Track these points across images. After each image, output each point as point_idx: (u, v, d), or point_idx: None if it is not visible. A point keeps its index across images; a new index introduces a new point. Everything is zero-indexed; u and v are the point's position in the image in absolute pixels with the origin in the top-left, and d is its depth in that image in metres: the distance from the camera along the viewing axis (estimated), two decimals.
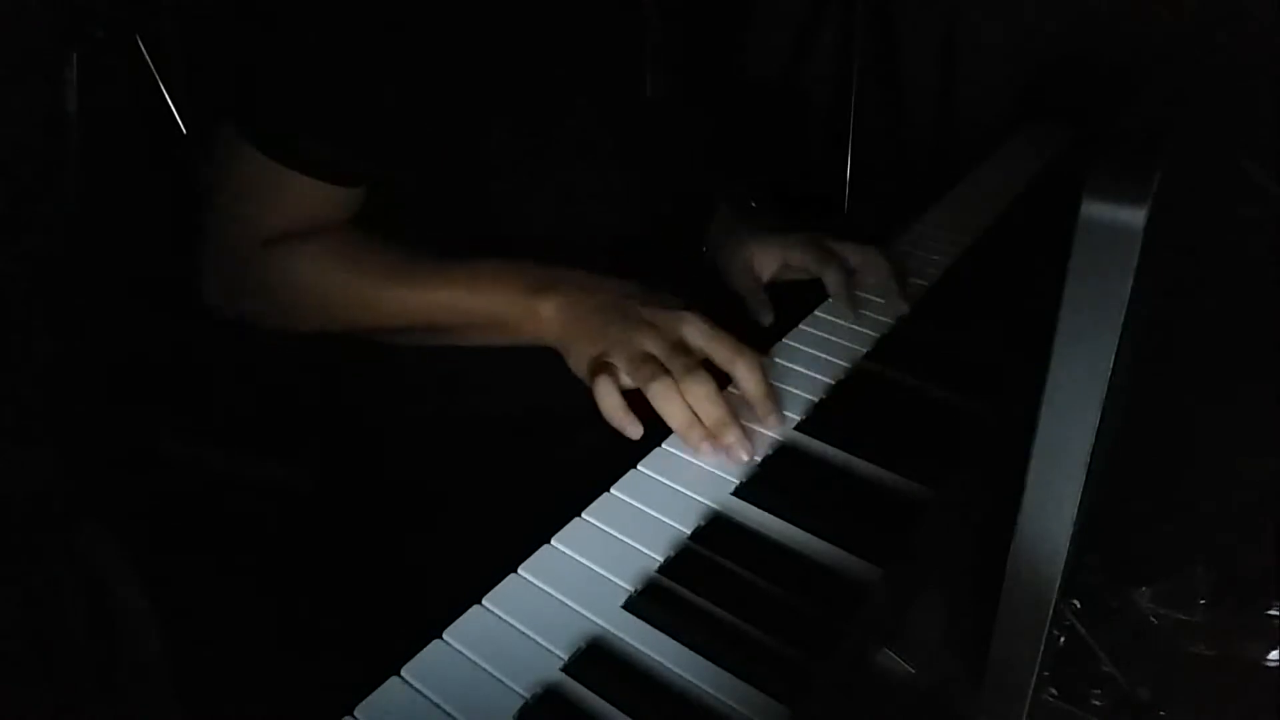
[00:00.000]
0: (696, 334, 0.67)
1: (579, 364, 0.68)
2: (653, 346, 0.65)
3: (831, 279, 0.82)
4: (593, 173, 0.78)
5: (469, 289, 0.72)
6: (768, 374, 0.67)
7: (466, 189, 0.75)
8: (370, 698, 0.47)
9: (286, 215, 0.72)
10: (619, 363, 0.65)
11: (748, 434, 0.64)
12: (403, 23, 0.66)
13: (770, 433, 0.66)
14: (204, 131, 0.86)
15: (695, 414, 0.63)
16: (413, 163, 0.73)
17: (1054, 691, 0.46)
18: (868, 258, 0.85)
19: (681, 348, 0.66)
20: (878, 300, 0.83)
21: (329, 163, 0.69)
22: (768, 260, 0.86)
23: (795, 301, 0.86)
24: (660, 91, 0.78)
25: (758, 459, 0.64)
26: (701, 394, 0.63)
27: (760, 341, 0.76)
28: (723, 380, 0.65)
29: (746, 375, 0.66)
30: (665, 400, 0.63)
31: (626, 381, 0.65)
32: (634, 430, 0.64)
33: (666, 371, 0.64)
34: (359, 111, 0.69)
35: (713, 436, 0.63)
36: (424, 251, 0.74)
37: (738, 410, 0.64)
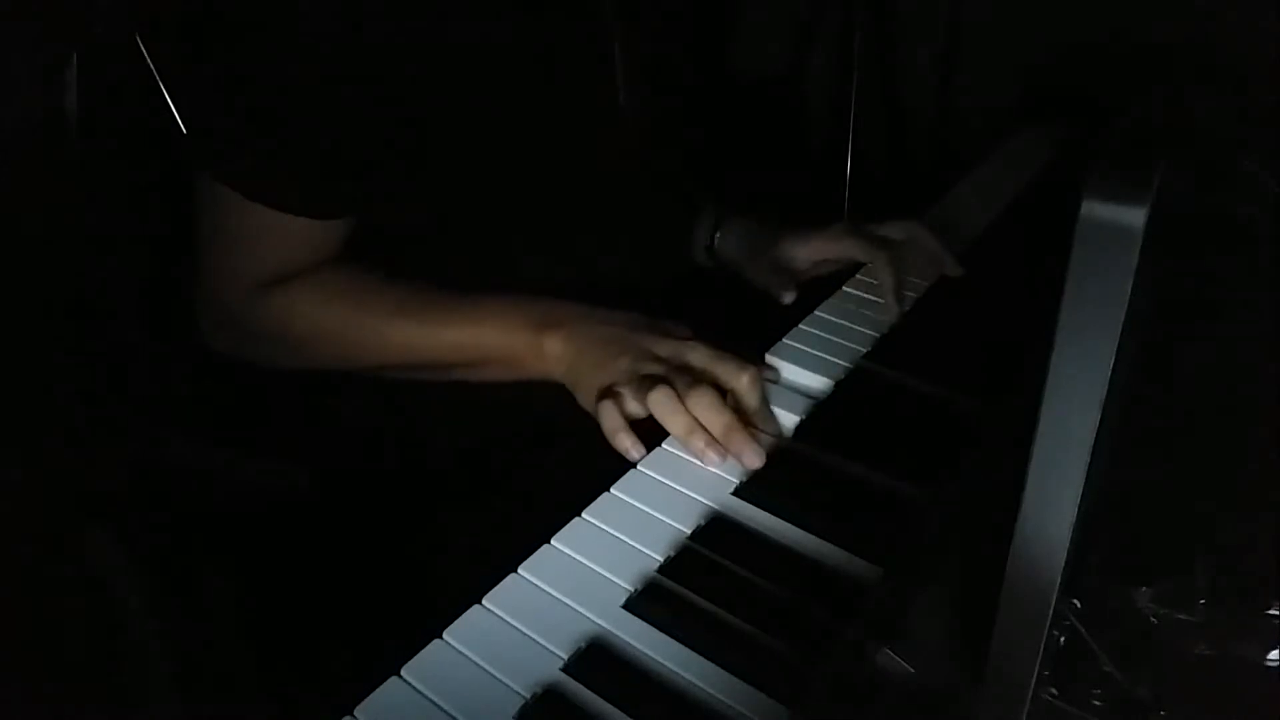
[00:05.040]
0: (700, 358, 0.67)
1: (587, 397, 0.68)
2: (658, 371, 0.66)
3: (882, 269, 0.81)
4: (572, 188, 0.78)
5: (474, 326, 0.72)
6: (768, 387, 0.68)
7: (439, 209, 0.75)
8: (370, 698, 0.47)
9: (275, 255, 0.71)
10: (624, 389, 0.65)
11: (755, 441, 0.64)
12: (371, 50, 0.66)
13: (770, 433, 0.66)
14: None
15: (697, 421, 0.63)
16: (389, 190, 0.72)
17: (1054, 691, 0.46)
18: (913, 232, 0.85)
19: (685, 370, 0.66)
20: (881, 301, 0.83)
21: (307, 197, 0.69)
22: (808, 252, 0.85)
23: (798, 298, 0.86)
24: (634, 104, 0.78)
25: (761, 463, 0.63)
26: (705, 403, 0.63)
27: (761, 341, 0.76)
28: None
29: (749, 389, 0.66)
30: (666, 408, 0.63)
31: (634, 409, 0.65)
32: (636, 454, 0.64)
33: (669, 383, 0.64)
34: (332, 142, 0.68)
35: (717, 443, 0.63)
36: (421, 285, 0.74)
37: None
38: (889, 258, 0.81)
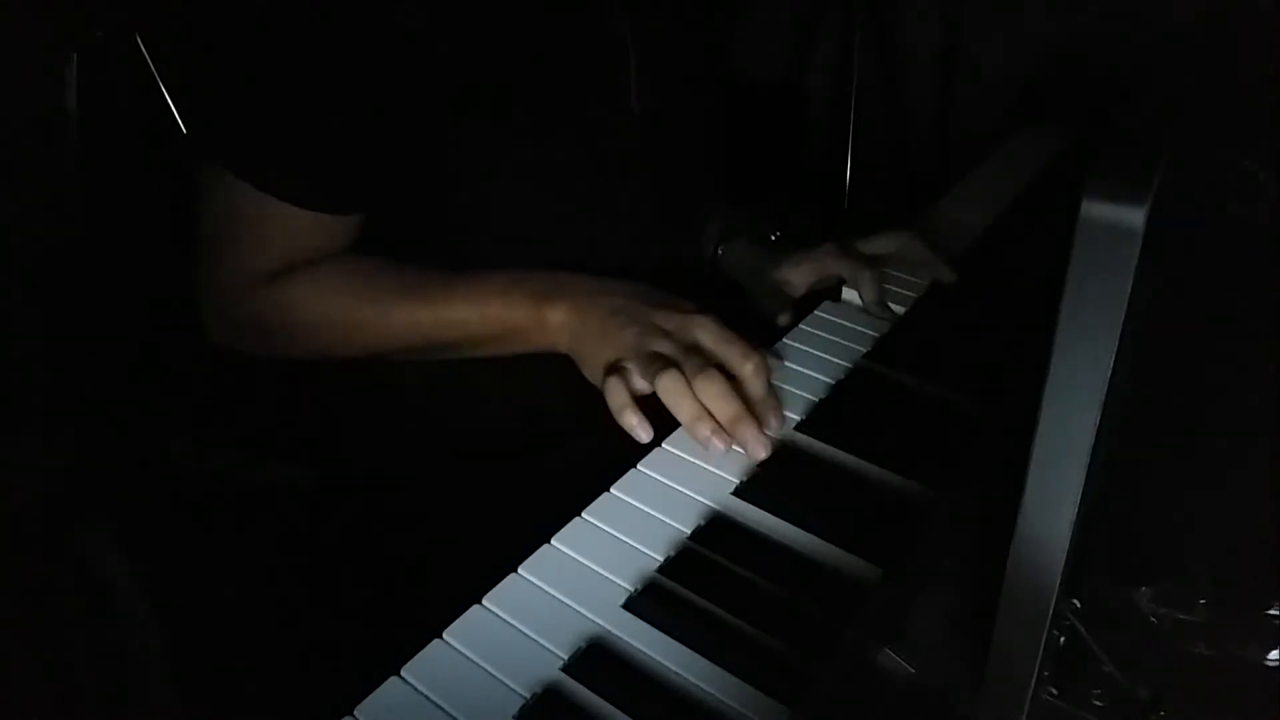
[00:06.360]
0: (708, 335, 0.67)
1: (593, 370, 0.68)
2: (665, 348, 0.65)
3: (865, 289, 0.82)
4: (585, 189, 0.78)
5: (477, 302, 0.72)
6: (772, 376, 0.68)
7: (449, 204, 0.75)
8: (370, 698, 0.47)
9: (280, 248, 0.71)
10: (631, 365, 0.65)
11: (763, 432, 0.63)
12: (385, 47, 0.66)
13: (770, 433, 0.66)
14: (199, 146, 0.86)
15: (704, 409, 0.63)
16: (397, 183, 0.72)
17: (1054, 691, 0.46)
18: (903, 243, 0.86)
19: (694, 349, 0.66)
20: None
21: (316, 190, 0.69)
22: (801, 275, 0.86)
23: (799, 298, 0.87)
24: (646, 104, 0.78)
25: (766, 454, 0.63)
26: (714, 391, 0.63)
27: (761, 341, 0.76)
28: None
29: (754, 377, 0.65)
30: (674, 393, 0.63)
31: (640, 386, 0.64)
32: (643, 433, 0.64)
33: (677, 367, 0.63)
34: (342, 136, 0.68)
35: (722, 431, 0.62)
36: (423, 268, 0.74)
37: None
38: (871, 277, 0.82)
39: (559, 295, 0.70)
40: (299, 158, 0.68)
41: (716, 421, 0.63)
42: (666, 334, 0.66)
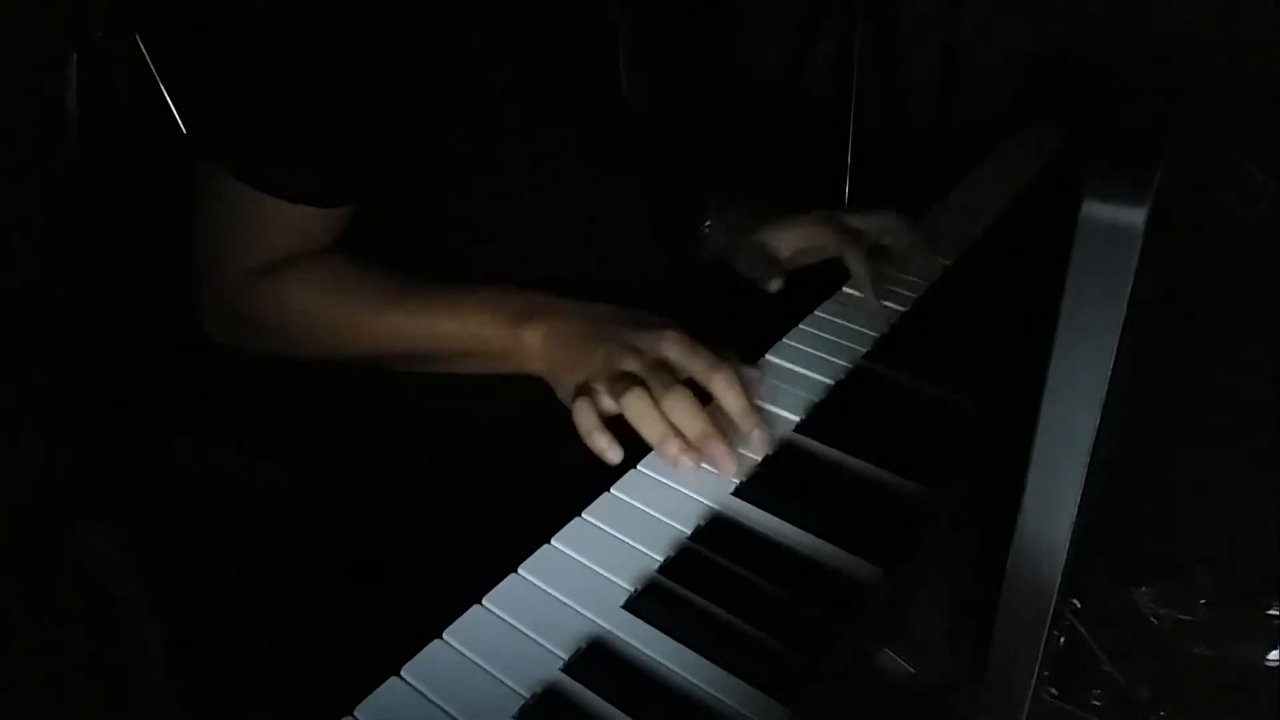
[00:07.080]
0: (675, 350, 0.65)
1: (565, 393, 0.67)
2: (633, 366, 0.64)
3: (853, 260, 0.81)
4: (574, 174, 0.77)
5: (455, 316, 0.72)
6: (749, 387, 0.65)
7: (444, 200, 0.75)
8: (370, 698, 0.47)
9: (272, 243, 0.71)
10: (599, 385, 0.64)
11: (733, 448, 0.62)
12: (373, 39, 0.66)
13: (756, 442, 0.64)
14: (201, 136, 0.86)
15: (673, 427, 0.62)
16: (391, 178, 0.72)
17: (1054, 691, 0.46)
18: (887, 223, 0.85)
19: (663, 366, 0.64)
20: (864, 302, 0.82)
21: (307, 185, 0.69)
22: (787, 240, 0.86)
23: (798, 298, 0.86)
24: (637, 90, 0.78)
25: (738, 479, 0.62)
26: (680, 408, 0.61)
27: (761, 342, 0.76)
28: (705, 399, 0.63)
29: (724, 389, 0.63)
30: (639, 414, 0.61)
31: (608, 406, 0.63)
32: (613, 455, 0.62)
33: (644, 385, 0.62)
34: (334, 131, 0.68)
35: (692, 450, 0.61)
36: (412, 276, 0.74)
37: (724, 428, 0.62)
38: (860, 253, 0.81)
39: (536, 317, 0.70)
40: (290, 154, 0.68)
41: (686, 439, 0.62)
42: (636, 351, 0.65)
